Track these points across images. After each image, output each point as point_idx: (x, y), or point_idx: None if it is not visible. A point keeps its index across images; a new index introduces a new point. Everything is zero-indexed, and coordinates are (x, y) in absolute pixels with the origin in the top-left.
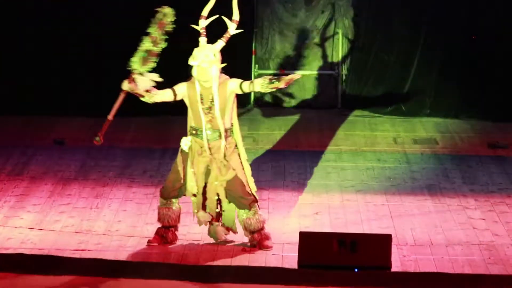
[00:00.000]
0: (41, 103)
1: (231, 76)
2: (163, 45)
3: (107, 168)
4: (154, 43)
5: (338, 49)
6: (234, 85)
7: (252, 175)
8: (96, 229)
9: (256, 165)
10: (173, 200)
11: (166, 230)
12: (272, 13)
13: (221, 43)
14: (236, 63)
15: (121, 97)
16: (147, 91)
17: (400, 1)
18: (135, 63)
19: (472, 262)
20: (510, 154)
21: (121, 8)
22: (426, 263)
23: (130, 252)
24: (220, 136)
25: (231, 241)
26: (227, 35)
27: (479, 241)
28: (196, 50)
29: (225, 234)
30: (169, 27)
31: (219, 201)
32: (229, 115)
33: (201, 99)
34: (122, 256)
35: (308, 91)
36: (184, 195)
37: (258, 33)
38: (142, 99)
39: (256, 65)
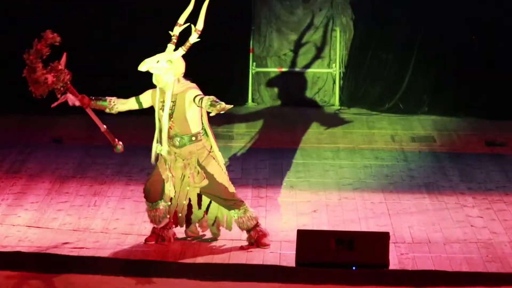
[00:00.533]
0: (39, 102)
1: (228, 74)
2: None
3: (105, 166)
4: (30, 69)
5: (336, 47)
6: (190, 96)
7: (250, 173)
8: (94, 227)
9: (254, 163)
10: (159, 201)
11: (161, 229)
12: (270, 11)
13: (180, 51)
14: (234, 61)
15: (88, 111)
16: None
17: None
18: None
19: (470, 260)
20: (508, 152)
21: (118, 7)
22: (424, 261)
23: (128, 250)
24: (189, 141)
25: (222, 239)
26: (187, 44)
27: (477, 239)
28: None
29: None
30: (45, 53)
31: (190, 206)
32: (196, 121)
33: (162, 106)
34: (120, 254)
35: (306, 89)
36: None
37: (255, 31)
38: (106, 110)
39: (254, 63)
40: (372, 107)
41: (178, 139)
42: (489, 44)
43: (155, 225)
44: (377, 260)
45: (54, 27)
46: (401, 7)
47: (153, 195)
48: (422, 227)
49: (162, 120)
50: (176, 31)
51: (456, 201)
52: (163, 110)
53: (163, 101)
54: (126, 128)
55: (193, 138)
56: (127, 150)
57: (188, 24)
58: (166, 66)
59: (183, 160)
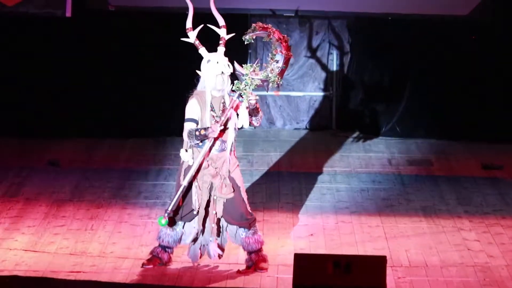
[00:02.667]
0: (35, 125)
1: None
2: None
3: (102, 189)
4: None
5: (333, 70)
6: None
7: (247, 196)
8: (91, 251)
9: (251, 186)
10: (179, 222)
11: (162, 251)
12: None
13: (222, 48)
14: (231, 85)
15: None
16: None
17: (396, 22)
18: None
19: (466, 283)
20: (504, 176)
21: (115, 31)
22: (421, 284)
23: (125, 274)
24: (225, 148)
25: (226, 263)
26: (223, 41)
27: (474, 263)
28: (215, 58)
29: (219, 255)
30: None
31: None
32: (235, 130)
33: (212, 108)
34: (117, 278)
35: (302, 112)
36: (189, 221)
37: (252, 54)
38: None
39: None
40: (369, 130)
41: (219, 143)
42: (485, 68)
43: (162, 244)
44: (374, 283)
45: (49, 50)
46: (398, 31)
47: (175, 213)
48: (419, 250)
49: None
50: (193, 35)
51: (453, 224)
52: (214, 112)
53: (212, 104)
54: (123, 151)
55: (231, 148)
56: (124, 173)
57: (202, 25)
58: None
59: (216, 168)
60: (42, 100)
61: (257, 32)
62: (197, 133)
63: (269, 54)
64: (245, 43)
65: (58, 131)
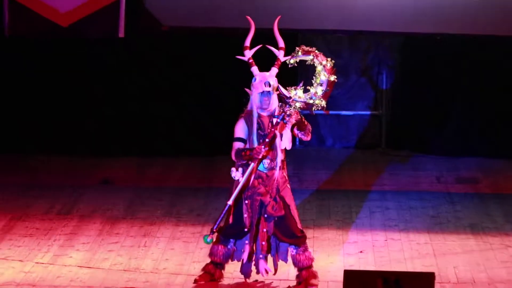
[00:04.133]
0: (88, 143)
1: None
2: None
3: (155, 207)
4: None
5: (382, 89)
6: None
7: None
8: (144, 267)
9: (301, 204)
10: (231, 239)
11: (214, 267)
12: None
13: (275, 70)
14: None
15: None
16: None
17: (444, 41)
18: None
19: None
20: None
21: (168, 51)
22: None
23: None
24: (275, 167)
25: (274, 279)
26: (278, 62)
27: None
28: (260, 77)
29: (267, 272)
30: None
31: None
32: (284, 149)
33: (259, 127)
34: None
35: (352, 131)
36: (240, 238)
37: (302, 73)
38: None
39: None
40: (418, 148)
41: (268, 161)
42: None
43: (214, 260)
44: None
45: (101, 68)
46: (446, 51)
47: (226, 232)
48: (467, 267)
49: (276, 141)
50: (249, 54)
51: (501, 241)
52: (262, 130)
53: (259, 122)
54: (174, 170)
55: (281, 166)
56: (176, 191)
57: (260, 45)
58: (276, 86)
59: (265, 186)
60: (94, 118)
61: (300, 56)
62: (243, 153)
63: (313, 77)
64: (289, 66)
65: (110, 149)
